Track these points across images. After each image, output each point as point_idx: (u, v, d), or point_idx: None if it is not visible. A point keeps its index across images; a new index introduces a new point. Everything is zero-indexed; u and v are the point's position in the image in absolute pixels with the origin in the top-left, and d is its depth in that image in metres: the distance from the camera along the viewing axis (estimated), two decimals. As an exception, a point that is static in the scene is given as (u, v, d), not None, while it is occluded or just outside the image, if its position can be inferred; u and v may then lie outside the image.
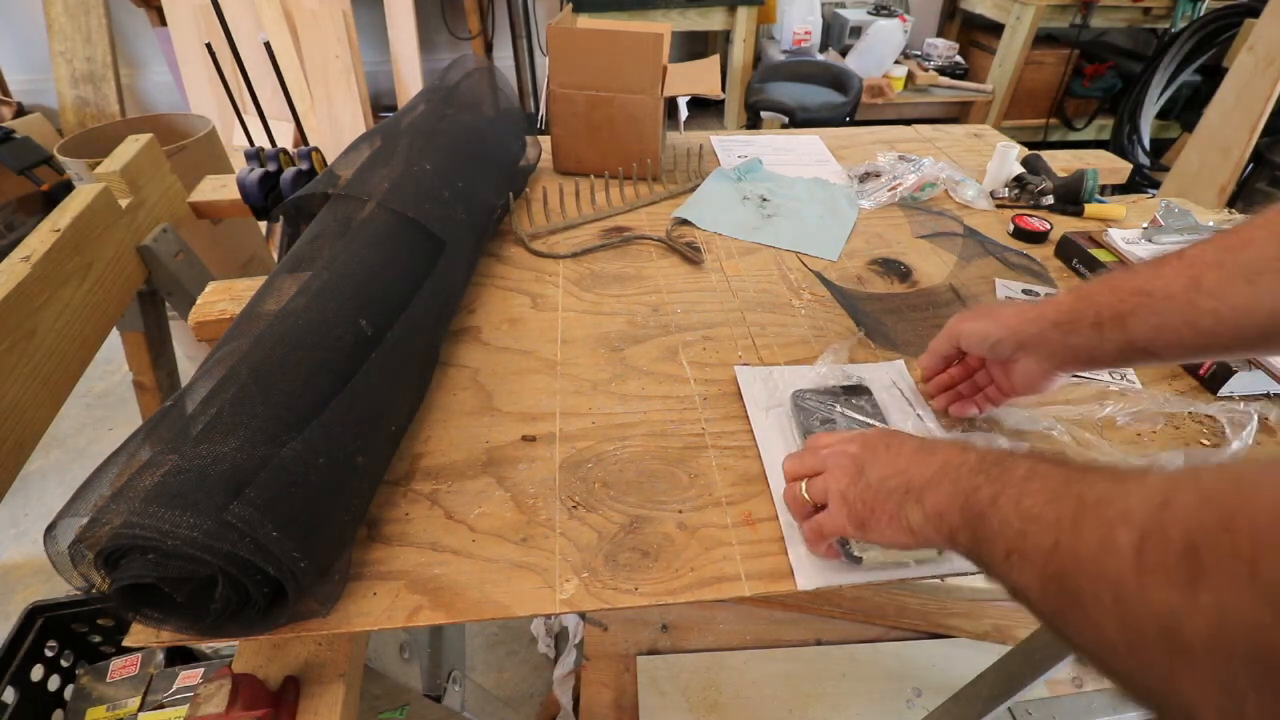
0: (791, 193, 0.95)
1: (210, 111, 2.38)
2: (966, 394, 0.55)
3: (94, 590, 0.38)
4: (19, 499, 1.49)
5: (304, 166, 0.87)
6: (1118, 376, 0.62)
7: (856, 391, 0.57)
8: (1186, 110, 2.72)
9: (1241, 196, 2.18)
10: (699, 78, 0.95)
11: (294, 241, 0.61)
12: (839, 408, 0.55)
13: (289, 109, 1.61)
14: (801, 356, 0.64)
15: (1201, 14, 2.56)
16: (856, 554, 0.44)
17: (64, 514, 0.38)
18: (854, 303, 0.72)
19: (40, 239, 0.71)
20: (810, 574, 0.45)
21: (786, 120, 2.16)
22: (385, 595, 0.43)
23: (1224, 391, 0.60)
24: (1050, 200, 0.91)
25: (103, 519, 0.36)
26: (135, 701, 0.89)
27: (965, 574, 0.45)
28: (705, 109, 3.20)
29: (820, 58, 2.67)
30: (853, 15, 2.82)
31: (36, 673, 0.89)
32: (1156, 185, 2.51)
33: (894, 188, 0.93)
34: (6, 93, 2.50)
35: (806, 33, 2.69)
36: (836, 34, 2.89)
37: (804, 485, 0.44)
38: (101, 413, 1.72)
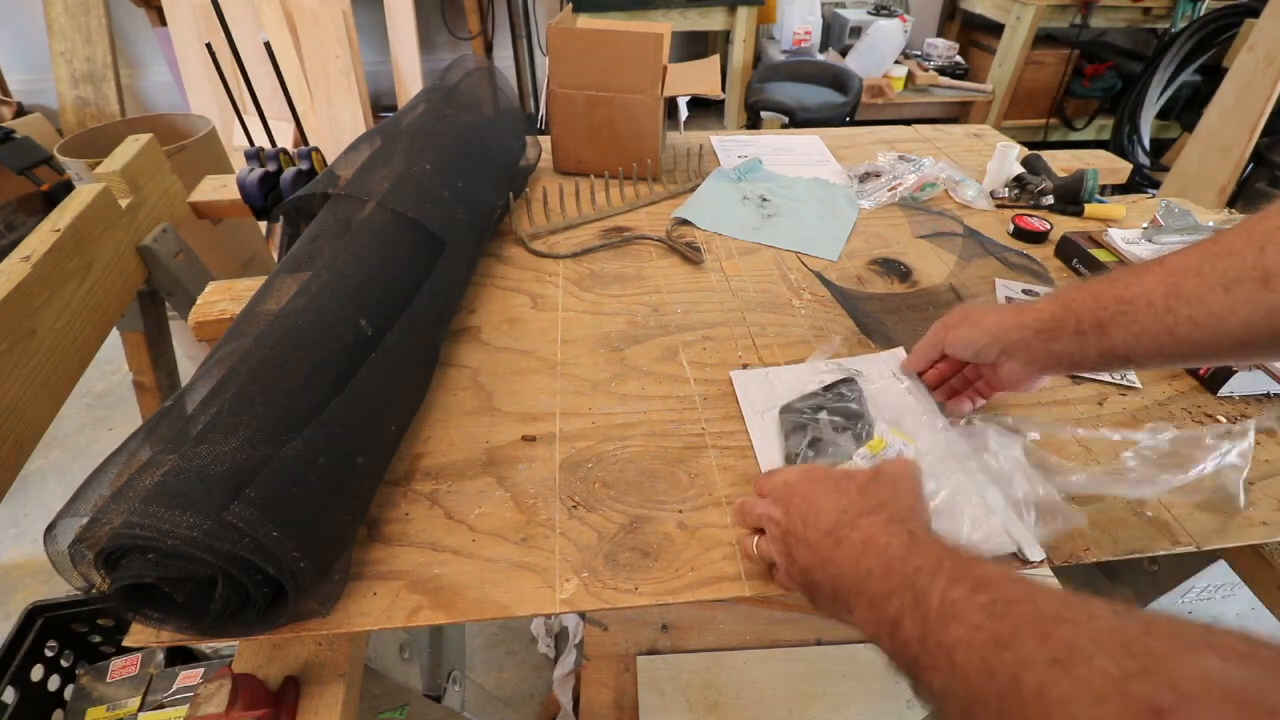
0: (791, 193, 0.95)
1: (210, 111, 2.38)
2: (958, 388, 0.56)
3: (94, 590, 0.38)
4: (19, 499, 1.49)
5: (304, 166, 0.87)
6: (1118, 376, 0.62)
7: (841, 385, 0.58)
8: (1186, 110, 2.72)
9: (1241, 196, 2.17)
10: (699, 78, 0.95)
11: (294, 241, 0.61)
12: (823, 413, 0.55)
13: (289, 109, 1.61)
14: (801, 357, 0.64)
15: (1201, 14, 2.56)
16: None
17: (64, 514, 0.38)
18: (854, 303, 0.72)
19: (40, 239, 0.71)
20: None
21: (786, 120, 2.16)
22: (385, 595, 0.43)
23: (1224, 392, 0.60)
24: (1050, 200, 0.91)
25: (103, 519, 0.36)
26: (135, 701, 0.89)
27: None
28: (705, 109, 3.20)
29: (820, 58, 2.67)
30: (853, 15, 2.82)
31: (36, 673, 0.89)
32: (1156, 185, 2.51)
33: (894, 188, 0.93)
34: (6, 93, 2.50)
35: (806, 33, 2.69)
36: (836, 34, 2.89)
37: (755, 542, 0.44)
38: (101, 413, 1.72)
